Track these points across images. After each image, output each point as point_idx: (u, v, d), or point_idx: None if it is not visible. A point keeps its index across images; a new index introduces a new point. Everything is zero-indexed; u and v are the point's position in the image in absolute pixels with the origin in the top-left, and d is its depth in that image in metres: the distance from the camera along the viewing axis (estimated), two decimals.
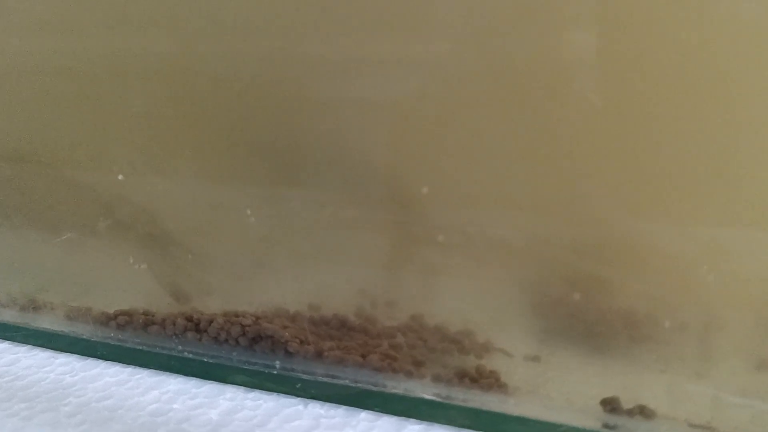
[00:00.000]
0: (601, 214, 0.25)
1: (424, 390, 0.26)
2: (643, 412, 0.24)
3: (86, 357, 0.30)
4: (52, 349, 0.31)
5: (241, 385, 0.28)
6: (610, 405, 0.24)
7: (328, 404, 0.26)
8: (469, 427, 0.25)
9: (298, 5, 0.25)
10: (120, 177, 0.28)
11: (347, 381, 0.26)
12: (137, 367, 0.29)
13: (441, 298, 0.28)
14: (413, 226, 0.26)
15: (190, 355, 0.28)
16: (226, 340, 0.28)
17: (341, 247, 0.28)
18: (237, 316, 0.28)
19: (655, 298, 0.25)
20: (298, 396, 0.27)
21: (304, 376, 0.27)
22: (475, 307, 0.27)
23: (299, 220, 0.28)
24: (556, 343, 0.27)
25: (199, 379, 0.28)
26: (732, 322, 0.24)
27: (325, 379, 0.26)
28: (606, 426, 0.24)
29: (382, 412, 0.26)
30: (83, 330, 0.31)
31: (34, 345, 0.31)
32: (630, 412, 0.24)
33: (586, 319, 0.26)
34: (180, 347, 0.28)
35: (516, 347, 0.27)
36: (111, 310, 0.30)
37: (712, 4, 0.21)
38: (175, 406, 0.26)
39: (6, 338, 0.32)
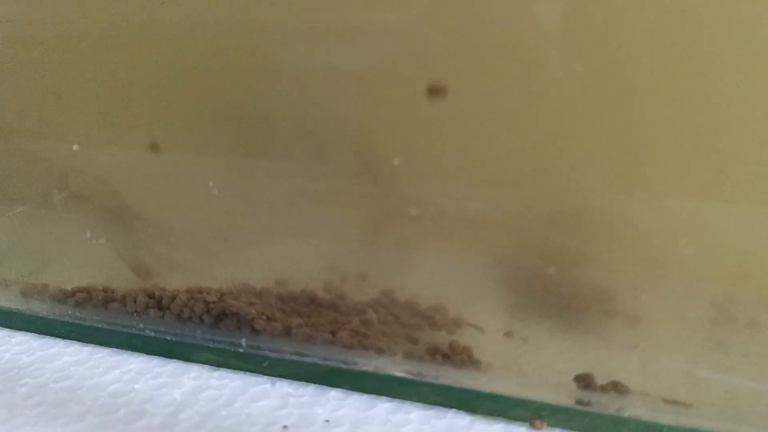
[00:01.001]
0: (576, 187, 0.25)
1: (395, 367, 0.25)
2: (617, 388, 0.23)
3: (44, 336, 0.29)
4: (7, 327, 0.30)
5: (206, 363, 0.27)
6: (584, 381, 0.23)
7: (296, 382, 0.26)
8: (441, 404, 0.24)
9: None
10: (75, 147, 0.27)
11: (316, 359, 0.25)
12: (97, 346, 0.28)
13: (413, 272, 0.27)
14: (384, 198, 0.25)
15: (153, 333, 0.27)
16: (190, 318, 0.27)
17: (310, 220, 0.27)
18: (201, 292, 0.27)
19: (630, 272, 0.25)
20: (265, 374, 0.26)
21: (272, 354, 0.26)
22: (448, 282, 0.27)
23: (266, 193, 0.27)
24: (530, 318, 0.26)
25: (162, 357, 0.27)
26: (707, 296, 0.24)
27: (294, 357, 0.26)
28: (579, 402, 0.23)
29: (352, 390, 0.25)
30: (40, 307, 0.30)
31: None
32: (603, 388, 0.23)
33: (561, 293, 0.26)
34: (141, 325, 0.27)
35: (489, 323, 0.26)
36: (69, 287, 0.29)
37: None
38: (136, 386, 0.26)
39: None
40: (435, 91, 0.23)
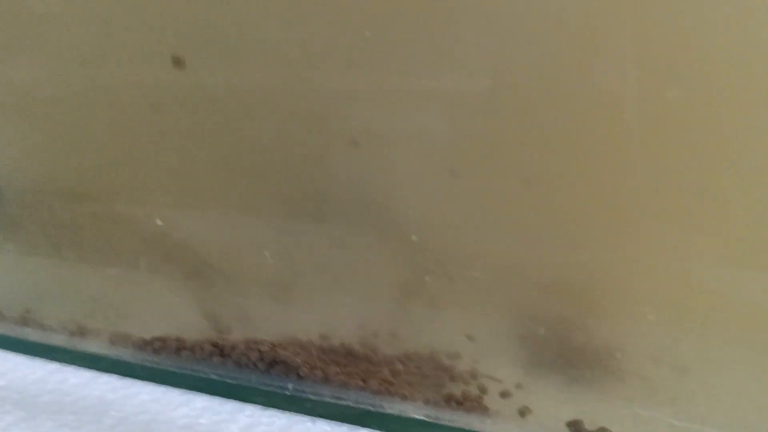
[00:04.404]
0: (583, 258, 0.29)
1: (416, 411, 0.29)
2: None
3: (126, 377, 0.34)
4: (96, 369, 0.34)
5: (259, 404, 0.31)
6: (575, 426, 0.27)
7: (334, 422, 0.30)
8: None
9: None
10: (159, 222, 0.33)
11: (350, 402, 0.30)
12: (170, 387, 0.33)
13: (439, 330, 0.31)
14: (406, 267, 0.29)
15: (215, 377, 0.32)
16: (247, 364, 0.32)
17: (349, 284, 0.32)
18: (256, 343, 0.32)
19: (629, 334, 0.28)
20: (308, 414, 0.30)
21: (313, 397, 0.30)
22: (472, 340, 0.31)
23: (317, 259, 0.32)
24: (540, 372, 0.30)
25: (222, 398, 0.32)
26: (701, 358, 0.27)
27: (332, 400, 0.30)
28: None
29: (380, 429, 0.29)
30: (124, 353, 0.35)
31: (81, 366, 0.35)
32: None
33: (570, 351, 0.29)
34: (207, 369, 0.32)
35: (504, 375, 0.30)
36: (148, 336, 0.35)
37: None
38: (201, 420, 0.30)
39: (57, 359, 0.35)
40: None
